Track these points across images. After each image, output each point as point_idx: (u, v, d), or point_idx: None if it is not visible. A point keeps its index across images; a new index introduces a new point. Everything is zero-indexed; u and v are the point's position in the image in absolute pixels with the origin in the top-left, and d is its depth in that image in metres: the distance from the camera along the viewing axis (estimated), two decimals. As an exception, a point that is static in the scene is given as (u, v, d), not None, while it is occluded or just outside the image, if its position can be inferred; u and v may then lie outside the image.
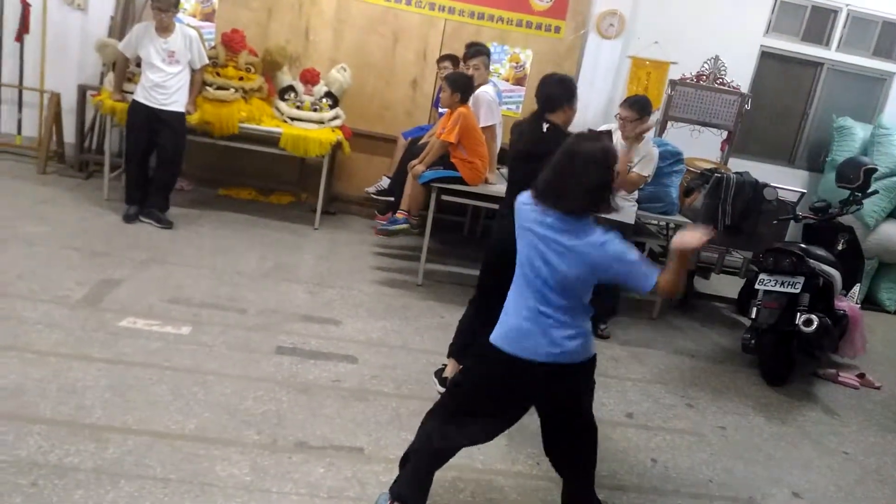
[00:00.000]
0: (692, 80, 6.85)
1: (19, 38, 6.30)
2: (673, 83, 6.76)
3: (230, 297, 4.34)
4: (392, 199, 5.62)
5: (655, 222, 5.59)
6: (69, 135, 6.47)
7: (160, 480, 2.63)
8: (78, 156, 6.42)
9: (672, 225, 5.46)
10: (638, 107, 4.51)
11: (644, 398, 4.08)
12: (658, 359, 4.69)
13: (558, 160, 2.37)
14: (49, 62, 6.39)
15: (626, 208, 4.66)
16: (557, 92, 3.53)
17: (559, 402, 2.50)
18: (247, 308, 4.25)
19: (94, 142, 6.52)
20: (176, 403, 3.14)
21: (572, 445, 2.58)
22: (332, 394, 3.47)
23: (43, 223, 4.98)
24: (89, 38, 6.30)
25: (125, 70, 5.53)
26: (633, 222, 4.75)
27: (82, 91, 6.32)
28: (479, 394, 2.51)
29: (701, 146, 6.80)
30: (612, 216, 4.46)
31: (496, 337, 2.45)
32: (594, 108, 7.01)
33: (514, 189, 2.49)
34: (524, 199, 2.45)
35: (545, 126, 3.49)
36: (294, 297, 4.56)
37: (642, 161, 4.57)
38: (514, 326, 2.42)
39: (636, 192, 4.70)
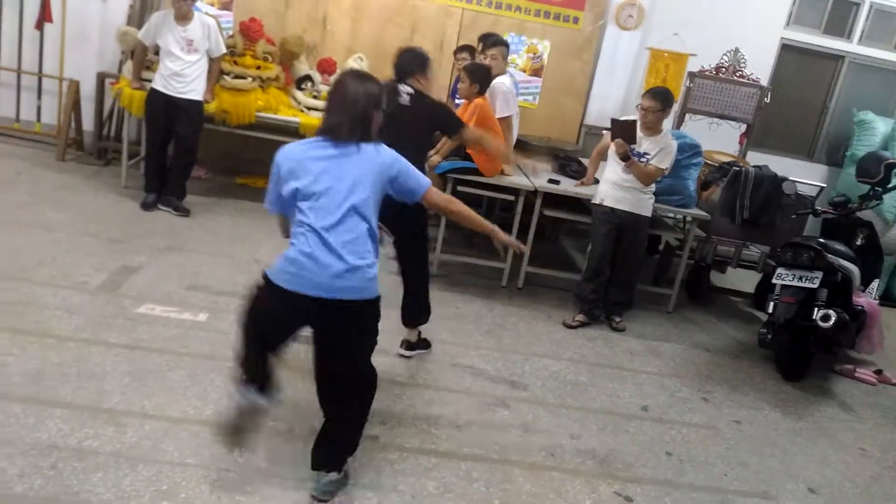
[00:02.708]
0: (711, 72, 6.78)
1: (39, 25, 6.34)
2: (692, 75, 6.70)
3: (247, 285, 4.35)
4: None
5: (672, 215, 5.55)
6: (88, 122, 6.52)
7: (177, 465, 2.66)
8: (96, 143, 6.47)
9: (689, 218, 5.42)
10: (661, 98, 4.49)
11: (659, 391, 4.07)
12: (674, 352, 4.67)
13: (331, 95, 2.59)
14: (68, 50, 6.43)
15: (643, 200, 4.64)
16: (407, 60, 3.75)
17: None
18: (263, 296, 4.26)
19: (112, 129, 6.57)
20: (193, 389, 3.17)
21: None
22: (347, 382, 3.48)
23: (62, 210, 5.03)
24: (109, 26, 6.34)
25: (144, 58, 5.55)
26: (650, 215, 4.72)
27: (101, 79, 6.36)
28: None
29: (719, 139, 6.74)
30: (629, 209, 4.52)
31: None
32: (613, 100, 6.97)
33: None
34: (289, 147, 2.57)
35: (407, 92, 3.67)
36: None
37: (660, 153, 4.54)
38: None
39: (653, 185, 4.67)
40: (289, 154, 2.54)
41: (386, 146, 2.60)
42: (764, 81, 7.02)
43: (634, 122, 4.50)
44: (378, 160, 2.53)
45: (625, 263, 4.79)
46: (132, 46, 5.68)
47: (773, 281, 4.54)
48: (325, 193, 2.45)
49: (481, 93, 4.81)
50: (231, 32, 6.04)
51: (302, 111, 5.98)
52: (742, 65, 6.79)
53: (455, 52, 6.14)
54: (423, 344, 4.00)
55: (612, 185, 4.63)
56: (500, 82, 5.10)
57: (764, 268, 5.51)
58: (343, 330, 2.57)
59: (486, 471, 2.99)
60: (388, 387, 3.53)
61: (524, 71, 6.82)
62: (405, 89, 3.71)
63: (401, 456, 2.97)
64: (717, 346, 4.94)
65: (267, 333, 2.59)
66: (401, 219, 3.16)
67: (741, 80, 6.74)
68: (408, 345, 3.93)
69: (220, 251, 4.83)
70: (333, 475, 2.67)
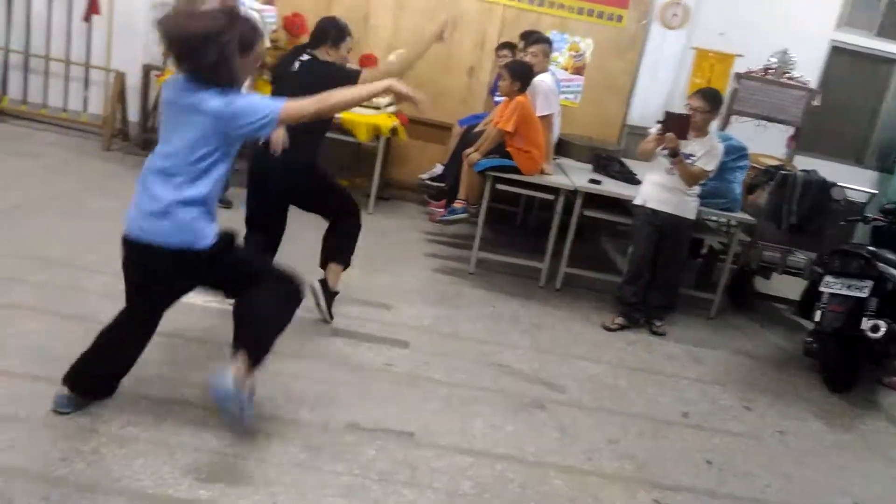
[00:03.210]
0: (758, 73, 6.64)
1: (87, 17, 6.46)
2: (738, 76, 6.57)
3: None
4: (444, 185, 5.60)
5: (716, 219, 5.44)
6: (133, 113, 6.64)
7: (216, 453, 2.67)
8: (141, 134, 6.58)
9: (734, 222, 5.30)
10: (710, 98, 4.40)
11: (700, 398, 3.98)
12: (716, 359, 4.56)
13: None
14: (115, 42, 6.55)
15: (687, 203, 4.55)
16: (322, 29, 3.72)
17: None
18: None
19: (156, 121, 6.66)
20: (232, 379, 3.17)
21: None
22: (383, 377, 3.47)
23: (108, 198, 5.11)
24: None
25: (189, 51, 5.61)
26: (693, 218, 4.62)
27: (147, 71, 6.47)
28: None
29: (766, 142, 6.60)
30: (672, 211, 4.43)
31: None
32: (656, 100, 6.86)
33: None
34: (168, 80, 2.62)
35: (300, 59, 3.61)
36: (347, 280, 4.54)
37: (706, 155, 4.44)
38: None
39: (697, 187, 4.57)
40: (163, 88, 2.63)
41: (227, 90, 2.43)
42: (813, 84, 6.86)
43: (689, 116, 4.38)
44: (211, 114, 2.41)
45: (666, 266, 4.69)
46: (178, 39, 5.75)
47: (821, 289, 4.40)
48: (164, 140, 2.54)
49: (522, 90, 4.78)
50: (275, 27, 6.08)
51: (343, 106, 5.99)
52: (790, 66, 6.64)
53: (496, 50, 6.12)
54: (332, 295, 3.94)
55: (655, 186, 4.55)
56: (542, 80, 5.06)
57: (810, 275, 5.35)
58: (171, 278, 2.65)
59: (521, 472, 2.95)
60: (424, 384, 3.51)
61: (566, 69, 6.74)
62: (302, 57, 3.62)
63: (436, 454, 2.94)
64: (760, 353, 4.82)
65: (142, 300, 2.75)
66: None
67: (789, 82, 6.59)
68: (325, 287, 3.90)
69: (259, 243, 4.85)
70: (234, 372, 2.51)
